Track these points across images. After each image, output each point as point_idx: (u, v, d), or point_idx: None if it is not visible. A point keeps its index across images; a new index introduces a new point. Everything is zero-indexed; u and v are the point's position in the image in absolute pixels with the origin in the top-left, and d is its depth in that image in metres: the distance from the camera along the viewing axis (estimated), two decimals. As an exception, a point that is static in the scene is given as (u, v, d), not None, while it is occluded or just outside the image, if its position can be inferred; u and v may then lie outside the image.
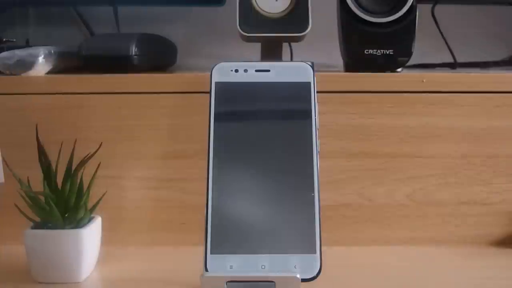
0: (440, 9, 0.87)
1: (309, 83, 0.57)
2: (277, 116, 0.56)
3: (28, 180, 0.54)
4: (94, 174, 0.56)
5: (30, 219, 0.54)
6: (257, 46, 0.73)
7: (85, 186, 0.55)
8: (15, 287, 0.53)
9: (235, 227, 0.52)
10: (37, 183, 0.54)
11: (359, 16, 0.66)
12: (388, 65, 0.67)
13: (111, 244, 0.59)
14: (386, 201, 0.64)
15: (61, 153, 0.56)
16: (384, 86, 0.63)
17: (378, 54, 0.67)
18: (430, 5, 0.87)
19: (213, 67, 0.57)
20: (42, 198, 0.53)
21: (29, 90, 0.64)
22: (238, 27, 0.67)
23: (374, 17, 0.66)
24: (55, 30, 0.94)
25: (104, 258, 0.57)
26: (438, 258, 0.60)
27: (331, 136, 0.63)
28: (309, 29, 0.68)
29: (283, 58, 0.74)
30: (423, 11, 0.74)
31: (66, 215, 0.54)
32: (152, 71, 0.70)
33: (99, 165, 0.57)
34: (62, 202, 0.54)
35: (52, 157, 0.55)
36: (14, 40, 0.78)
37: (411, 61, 0.68)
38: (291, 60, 0.88)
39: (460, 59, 0.86)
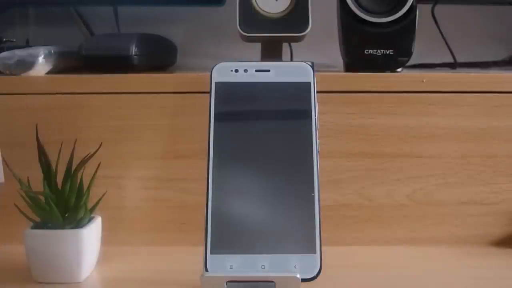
0: (440, 9, 0.87)
1: (309, 83, 0.57)
2: (277, 116, 0.56)
3: (28, 180, 0.54)
4: (94, 174, 0.56)
5: (30, 219, 0.54)
6: (257, 46, 0.73)
7: (85, 186, 0.55)
8: (15, 287, 0.53)
9: (235, 227, 0.52)
10: (37, 183, 0.54)
11: (359, 16, 0.66)
12: (388, 65, 0.67)
13: (111, 244, 0.59)
14: (386, 201, 0.64)
15: (61, 153, 0.56)
16: (384, 86, 0.63)
17: (378, 54, 0.67)
18: (430, 5, 0.87)
19: (213, 67, 0.57)
20: (42, 198, 0.53)
21: (29, 90, 0.64)
22: (238, 27, 0.67)
23: (374, 17, 0.66)
24: (55, 30, 0.94)
25: (104, 258, 0.57)
26: (438, 258, 0.60)
27: (331, 136, 0.63)
28: (309, 29, 0.68)
29: (283, 58, 0.74)
30: (423, 11, 0.74)
31: (66, 215, 0.54)
32: (152, 71, 0.70)
33: (99, 165, 0.57)
34: (62, 202, 0.54)
35: (52, 157, 0.55)
36: (14, 40, 0.78)
37: (411, 61, 0.68)
38: (291, 60, 0.88)
39: (460, 59, 0.86)
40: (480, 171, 0.64)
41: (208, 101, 0.56)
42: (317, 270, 0.50)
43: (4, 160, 0.58)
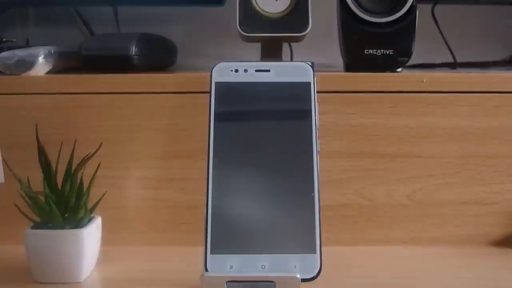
0: (440, 9, 0.87)
1: (309, 83, 0.57)
2: (277, 116, 0.56)
3: (28, 180, 0.54)
4: (94, 174, 0.56)
5: (30, 219, 0.54)
6: (257, 46, 0.73)
7: (85, 186, 0.55)
8: (15, 287, 0.53)
9: (235, 227, 0.52)
10: (37, 183, 0.54)
11: (359, 16, 0.66)
12: (388, 65, 0.67)
13: (111, 244, 0.59)
14: (386, 201, 0.64)
15: (61, 153, 0.56)
16: (384, 86, 0.63)
17: (378, 54, 0.67)
18: (430, 5, 0.87)
19: (213, 67, 0.57)
20: (42, 198, 0.53)
21: (29, 90, 0.64)
22: (238, 27, 0.67)
23: (374, 17, 0.66)
24: (55, 30, 0.94)
25: (104, 258, 0.57)
26: (438, 258, 0.60)
27: (331, 136, 0.63)
28: (309, 29, 0.68)
29: (283, 58, 0.74)
30: (423, 11, 0.74)
31: (66, 215, 0.54)
32: (152, 71, 0.70)
33: (99, 165, 0.57)
34: (62, 202, 0.54)
35: (52, 157, 0.55)
36: (14, 40, 0.78)
37: (411, 61, 0.68)
38: (291, 60, 0.88)
39: (460, 59, 0.86)
40: (480, 171, 0.64)
41: (208, 101, 0.56)
42: (317, 270, 0.50)
43: (4, 160, 0.58)
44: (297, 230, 0.52)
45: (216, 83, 0.57)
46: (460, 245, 0.64)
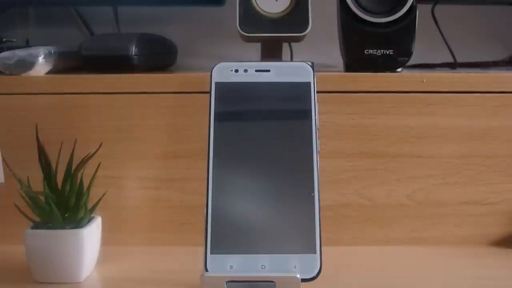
0: (440, 9, 0.87)
1: (309, 83, 0.57)
2: (277, 116, 0.56)
3: (28, 180, 0.54)
4: (94, 174, 0.56)
5: (30, 219, 0.54)
6: (257, 46, 0.73)
7: (85, 186, 0.55)
8: (15, 287, 0.53)
9: (235, 227, 0.52)
10: (37, 183, 0.54)
11: (359, 16, 0.66)
12: (388, 65, 0.67)
13: (111, 244, 0.59)
14: (386, 201, 0.64)
15: (61, 153, 0.56)
16: (384, 86, 0.63)
17: (378, 54, 0.67)
18: (430, 5, 0.87)
19: (213, 67, 0.57)
20: (42, 198, 0.53)
21: (29, 90, 0.64)
22: (238, 27, 0.67)
23: (374, 17, 0.66)
24: (55, 30, 0.94)
25: (104, 258, 0.57)
26: (438, 258, 0.60)
27: (331, 136, 0.63)
28: (309, 29, 0.68)
29: (283, 58, 0.74)
30: (423, 11, 0.74)
31: (66, 215, 0.54)
32: (152, 71, 0.70)
33: (99, 165, 0.57)
34: (62, 202, 0.54)
35: (52, 157, 0.55)
36: (14, 40, 0.78)
37: (411, 61, 0.68)
38: (291, 60, 0.88)
39: (460, 59, 0.86)
40: (480, 171, 0.64)
41: (208, 101, 0.56)
42: (317, 270, 0.50)
43: (4, 160, 0.58)
44: (297, 230, 0.52)
45: (216, 83, 0.57)
46: (460, 245, 0.64)
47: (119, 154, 0.63)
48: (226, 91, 0.56)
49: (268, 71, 0.57)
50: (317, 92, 0.56)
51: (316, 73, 0.57)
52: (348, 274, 0.56)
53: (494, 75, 0.65)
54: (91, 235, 0.54)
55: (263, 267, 0.50)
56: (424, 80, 0.63)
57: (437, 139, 0.63)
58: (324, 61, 0.78)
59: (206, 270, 0.50)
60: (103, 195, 0.57)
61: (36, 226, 0.54)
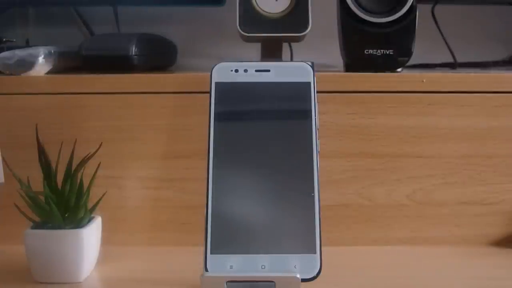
0: (440, 9, 0.87)
1: (309, 83, 0.57)
2: (277, 116, 0.56)
3: (28, 180, 0.54)
4: (94, 174, 0.56)
5: (30, 219, 0.54)
6: (257, 46, 0.73)
7: (85, 186, 0.55)
8: (15, 287, 0.53)
9: (235, 227, 0.52)
10: (37, 183, 0.54)
11: (359, 16, 0.66)
12: (388, 65, 0.67)
13: (111, 244, 0.59)
14: (386, 201, 0.64)
15: (61, 153, 0.56)
16: (384, 86, 0.63)
17: (378, 54, 0.67)
18: (430, 5, 0.87)
19: (213, 67, 0.57)
20: (42, 198, 0.53)
21: (29, 90, 0.64)
22: (238, 27, 0.67)
23: (374, 17, 0.66)
24: (55, 30, 0.94)
25: (104, 258, 0.57)
26: (438, 258, 0.60)
27: (331, 136, 0.63)
28: (309, 29, 0.68)
29: (283, 58, 0.74)
30: (423, 11, 0.74)
31: (66, 215, 0.54)
32: (152, 71, 0.70)
33: (99, 165, 0.57)
34: (62, 202, 0.54)
35: (52, 157, 0.55)
36: (14, 40, 0.78)
37: (411, 61, 0.68)
38: (291, 60, 0.88)
39: (460, 59, 0.86)
40: (480, 171, 0.64)
41: (208, 101, 0.56)
42: (317, 270, 0.50)
43: (4, 160, 0.58)
44: (297, 230, 0.52)
45: (216, 83, 0.57)
46: (460, 245, 0.64)
47: (119, 154, 0.63)
48: (226, 91, 0.56)
49: (268, 71, 0.57)
50: (317, 92, 0.56)
51: (316, 73, 0.57)
52: (348, 274, 0.56)
53: (494, 75, 0.65)
54: (91, 235, 0.54)
55: (263, 267, 0.50)
56: (424, 80, 0.63)
57: (437, 139, 0.63)
58: (324, 61, 0.78)
59: (206, 270, 0.50)
60: (103, 195, 0.57)
61: (36, 226, 0.54)
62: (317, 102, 0.56)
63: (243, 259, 0.51)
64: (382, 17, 0.66)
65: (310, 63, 0.58)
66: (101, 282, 0.55)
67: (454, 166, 0.64)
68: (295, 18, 0.68)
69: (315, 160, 0.54)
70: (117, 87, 0.64)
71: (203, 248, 0.51)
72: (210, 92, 0.56)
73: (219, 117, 0.55)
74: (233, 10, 0.68)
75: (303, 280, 0.49)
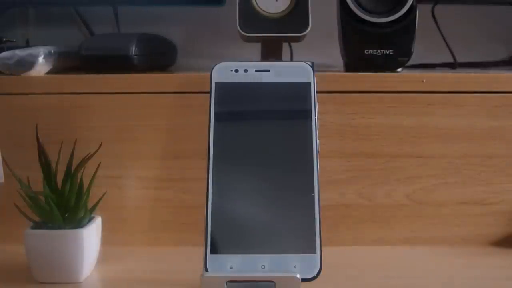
0: (440, 9, 0.87)
1: (309, 83, 0.57)
2: (277, 116, 0.56)
3: (28, 180, 0.54)
4: (94, 174, 0.56)
5: (30, 219, 0.54)
6: (257, 46, 0.73)
7: (85, 186, 0.55)
8: (15, 287, 0.53)
9: (235, 227, 0.52)
10: (37, 183, 0.54)
11: (359, 16, 0.66)
12: (388, 65, 0.67)
13: (111, 244, 0.59)
14: (386, 201, 0.64)
15: (61, 153, 0.56)
16: (384, 86, 0.63)
17: (378, 54, 0.67)
18: (430, 5, 0.87)
19: (213, 67, 0.57)
20: (42, 198, 0.53)
21: (29, 90, 0.64)
22: (238, 27, 0.67)
23: (374, 17, 0.66)
24: (55, 30, 0.94)
25: (104, 258, 0.57)
26: (438, 258, 0.60)
27: (331, 136, 0.63)
28: (309, 29, 0.68)
29: (283, 58, 0.74)
30: (423, 11, 0.74)
31: (66, 215, 0.54)
32: (152, 71, 0.70)
33: (99, 165, 0.57)
34: (62, 202, 0.54)
35: (52, 157, 0.55)
36: (14, 40, 0.78)
37: (411, 61, 0.68)
38: (291, 60, 0.88)
39: (460, 59, 0.86)
40: (480, 171, 0.64)
41: (208, 101, 0.56)
42: (317, 270, 0.50)
43: (4, 160, 0.58)
44: (297, 230, 0.52)
45: (216, 83, 0.57)
46: (460, 245, 0.64)
47: (119, 154, 0.63)
48: (226, 91, 0.56)
49: (268, 71, 0.57)
50: (317, 92, 0.56)
51: (316, 73, 0.57)
52: (348, 274, 0.56)
53: (494, 75, 0.65)
54: (91, 235, 0.54)
55: (263, 267, 0.50)
56: (424, 80, 0.63)
57: (437, 139, 0.63)
58: (324, 61, 0.78)
59: (206, 270, 0.50)
60: (103, 195, 0.57)
61: (36, 226, 0.54)
62: (317, 102, 0.56)
63: (243, 259, 0.51)
64: (382, 17, 0.66)
65: (310, 63, 0.58)
66: (101, 282, 0.55)
67: (454, 166, 0.64)
68: (295, 18, 0.68)
69: (315, 160, 0.54)
70: (117, 87, 0.64)
71: (203, 248, 0.51)
72: (210, 92, 0.56)
73: (219, 117, 0.55)
74: (233, 10, 0.68)
75: (303, 280, 0.49)
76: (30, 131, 0.56)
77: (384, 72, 0.65)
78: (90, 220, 0.56)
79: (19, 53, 0.65)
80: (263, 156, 0.54)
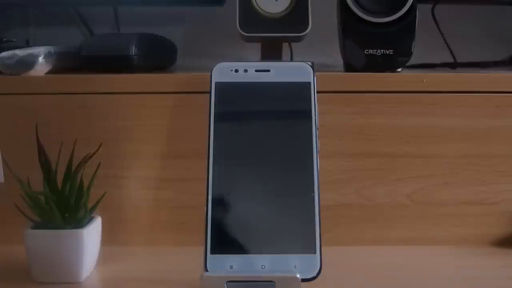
0: (440, 9, 0.87)
1: (309, 83, 0.57)
2: (277, 116, 0.56)
3: (28, 180, 0.54)
4: (94, 174, 0.56)
5: (30, 219, 0.54)
6: (257, 46, 0.73)
7: (85, 186, 0.55)
8: (15, 287, 0.53)
9: (235, 227, 0.52)
10: (37, 183, 0.54)
11: (359, 16, 0.66)
12: (388, 65, 0.67)
13: (111, 244, 0.59)
14: (386, 201, 0.64)
15: (61, 153, 0.56)
16: (384, 86, 0.63)
17: (378, 54, 0.67)
18: (430, 5, 0.87)
19: (213, 67, 0.57)
20: (42, 198, 0.53)
21: (29, 90, 0.64)
22: (238, 27, 0.68)
23: (374, 17, 0.66)
24: (55, 30, 0.94)
25: (104, 258, 0.57)
26: (438, 258, 0.60)
27: (331, 136, 0.63)
28: (309, 29, 0.68)
29: (283, 58, 0.74)
30: (423, 11, 0.74)
31: (66, 215, 0.54)
32: (152, 71, 0.70)
33: (99, 165, 0.57)
34: (62, 202, 0.54)
35: (52, 157, 0.55)
36: (14, 40, 0.78)
37: (411, 61, 0.68)
38: (291, 60, 0.88)
39: (460, 59, 0.86)
40: (480, 171, 0.64)
41: (208, 101, 0.56)
42: (317, 270, 0.50)
43: (4, 160, 0.58)
44: (297, 230, 0.52)
45: (216, 83, 0.57)
46: (460, 245, 0.64)
47: (119, 154, 0.63)
48: (226, 91, 0.56)
49: (268, 71, 0.57)
50: (317, 92, 0.56)
51: (316, 73, 0.57)
52: (348, 274, 0.56)
53: (494, 75, 0.65)
54: (91, 235, 0.54)
55: (263, 267, 0.50)
56: (424, 80, 0.63)
57: (437, 139, 0.63)
58: (324, 61, 0.78)
59: (206, 270, 0.50)
60: (103, 195, 0.57)
61: (36, 226, 0.54)
62: (317, 102, 0.56)
63: (243, 259, 0.51)
64: (382, 17, 0.66)
65: (310, 63, 0.58)
66: (101, 282, 0.55)
67: (454, 166, 0.64)
68: (295, 18, 0.68)
69: (315, 160, 0.54)
70: (117, 87, 0.64)
71: (203, 248, 0.51)
72: (210, 92, 0.56)
73: (219, 117, 0.55)
74: (233, 10, 0.68)
75: (303, 280, 0.49)
76: (30, 131, 0.56)
77: (384, 72, 0.65)
78: (90, 220, 0.56)
79: (19, 53, 0.65)
80: (263, 156, 0.54)
